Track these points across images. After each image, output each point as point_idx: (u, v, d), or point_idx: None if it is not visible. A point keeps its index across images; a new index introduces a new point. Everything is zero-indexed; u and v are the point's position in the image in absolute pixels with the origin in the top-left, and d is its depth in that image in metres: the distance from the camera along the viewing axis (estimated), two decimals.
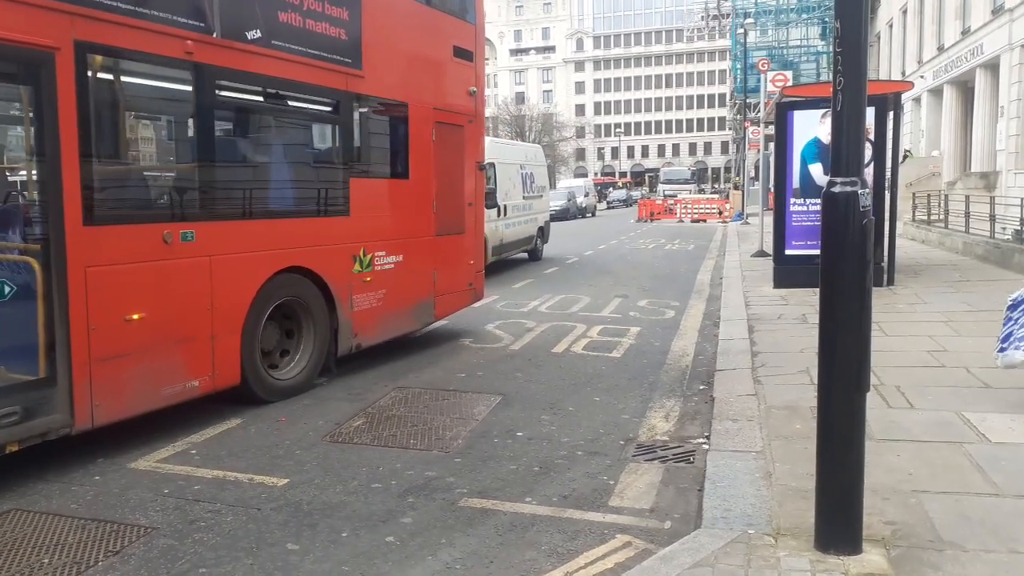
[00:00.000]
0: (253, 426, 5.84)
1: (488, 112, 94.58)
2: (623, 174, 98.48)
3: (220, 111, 6.17)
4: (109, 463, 5.05)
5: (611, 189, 68.84)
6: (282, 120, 7.08)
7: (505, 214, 15.87)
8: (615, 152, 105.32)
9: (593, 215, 45.59)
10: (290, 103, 6.94)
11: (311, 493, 4.52)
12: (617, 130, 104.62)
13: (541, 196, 19.11)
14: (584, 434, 5.55)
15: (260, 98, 6.69)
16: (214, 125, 6.02)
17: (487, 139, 16.84)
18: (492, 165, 14.85)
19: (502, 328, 9.69)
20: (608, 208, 57.20)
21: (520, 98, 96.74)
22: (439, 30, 8.53)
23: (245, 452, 5.25)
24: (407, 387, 6.89)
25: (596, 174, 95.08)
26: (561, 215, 38.53)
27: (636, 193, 67.55)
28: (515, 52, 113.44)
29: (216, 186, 6.02)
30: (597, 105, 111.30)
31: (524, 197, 17.41)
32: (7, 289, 4.80)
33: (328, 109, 7.24)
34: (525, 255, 18.22)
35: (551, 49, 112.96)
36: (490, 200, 14.30)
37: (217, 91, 6.00)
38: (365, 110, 7.59)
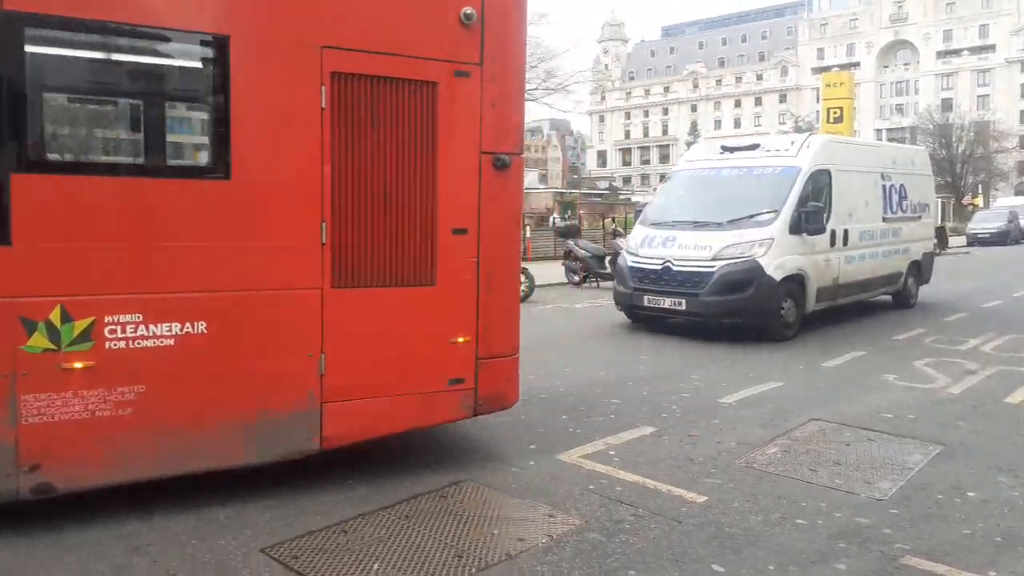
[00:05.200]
0: (666, 436, 5.93)
1: (906, 121, 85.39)
2: None
3: None
4: (539, 451, 5.52)
5: None
6: None
7: (845, 243, 11.19)
8: None
9: None
10: None
11: (732, 517, 4.40)
12: None
13: (919, 217, 13.52)
14: None
15: None
16: None
17: (819, 137, 11.94)
18: (827, 173, 10.92)
19: (934, 367, 8.52)
20: None
21: (946, 105, 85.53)
22: None
23: (660, 461, 5.33)
24: (825, 421, 6.40)
25: None
26: (998, 239, 33.26)
27: None
28: (942, 55, 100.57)
29: None
30: None
31: (885, 219, 12.35)
32: None
33: None
34: (888, 298, 13.41)
35: (989, 48, 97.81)
36: (814, 223, 10.30)
37: None
38: (60, 48, 4.10)
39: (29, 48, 3.86)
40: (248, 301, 4.36)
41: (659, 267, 10.46)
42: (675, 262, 10.30)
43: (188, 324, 4.20)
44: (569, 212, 34.58)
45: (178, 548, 3.88)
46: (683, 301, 10.14)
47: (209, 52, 4.25)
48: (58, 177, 3.97)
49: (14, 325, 3.82)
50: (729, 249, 9.98)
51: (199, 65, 4.41)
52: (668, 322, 10.72)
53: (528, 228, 25.55)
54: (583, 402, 6.91)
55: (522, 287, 14.56)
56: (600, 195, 53.76)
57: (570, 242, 18.04)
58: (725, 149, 11.86)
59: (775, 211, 10.19)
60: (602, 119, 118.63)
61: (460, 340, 4.97)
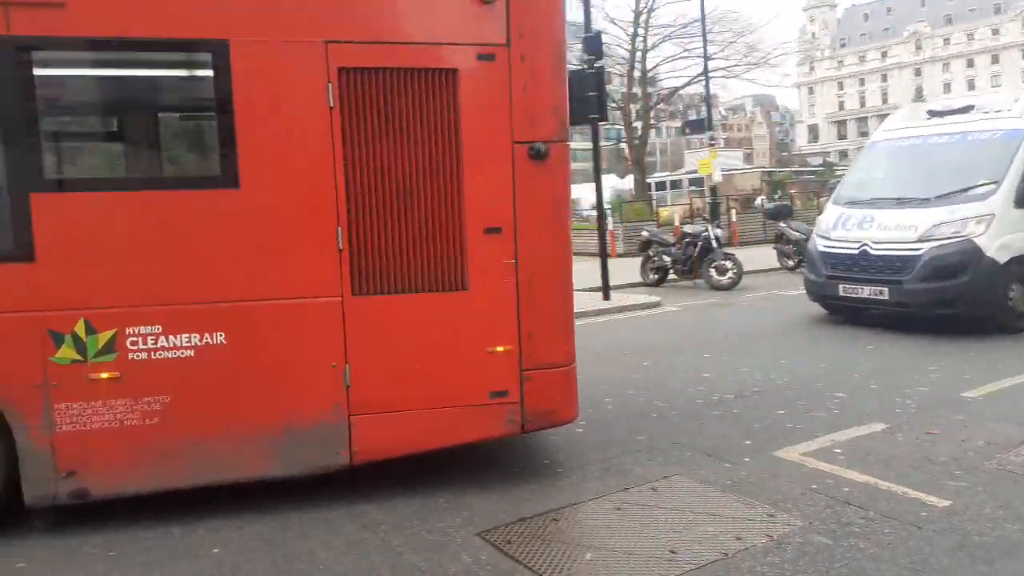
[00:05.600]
0: (899, 433, 5.43)
1: None
2: None
3: None
4: (756, 447, 5.26)
5: None
6: None
7: None
8: None
9: None
10: None
11: (982, 524, 3.93)
12: None
13: None
14: None
15: None
16: None
17: None
18: None
19: None
20: None
21: None
22: None
23: (893, 461, 4.89)
24: None
25: None
26: None
27: None
28: None
29: None
30: None
31: None
32: None
33: None
34: None
35: None
36: None
37: None
38: (67, 68, 4.38)
39: (36, 71, 4.00)
40: (265, 311, 4.26)
41: (855, 251, 9.32)
42: (874, 245, 9.14)
43: (207, 335, 4.18)
44: (779, 192, 32.82)
45: (403, 528, 4.13)
46: (884, 290, 8.98)
47: (208, 58, 4.14)
48: (73, 194, 4.12)
49: (36, 339, 3.99)
50: (939, 228, 8.69)
51: (199, 73, 4.33)
52: (872, 313, 9.64)
53: (734, 211, 24.59)
54: (801, 396, 6.51)
55: (729, 274, 14.05)
56: (813, 172, 50.56)
57: (781, 224, 17.09)
58: (933, 114, 10.38)
59: (995, 182, 8.78)
60: (811, 91, 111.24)
61: (500, 349, 4.50)
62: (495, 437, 4.72)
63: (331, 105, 4.19)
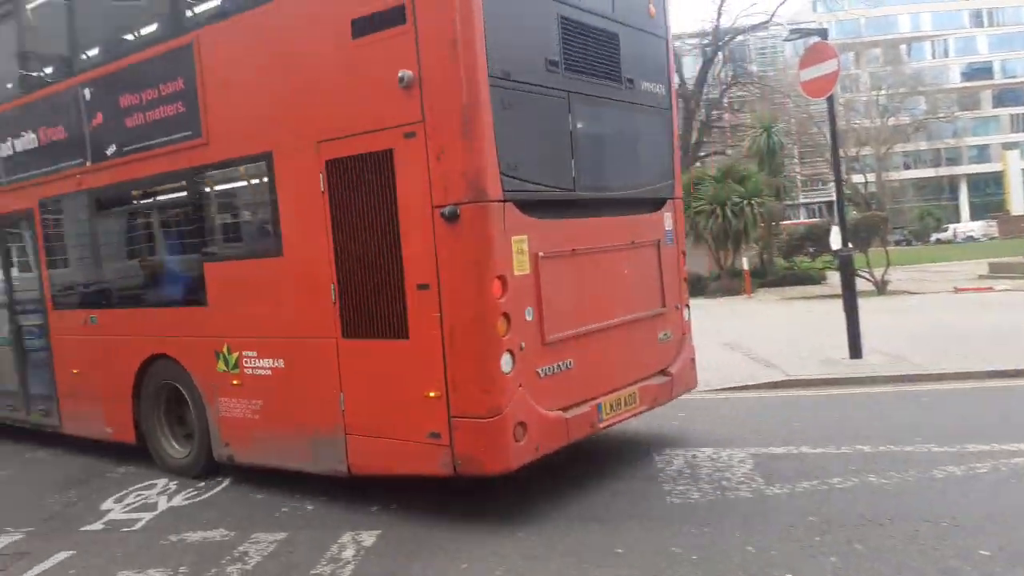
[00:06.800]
0: None
1: None
2: None
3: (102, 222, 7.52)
4: None
5: None
6: (127, 216, 7.43)
7: None
8: None
9: None
10: (133, 200, 7.28)
11: None
12: None
13: None
14: None
15: (117, 205, 7.42)
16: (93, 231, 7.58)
17: None
18: None
19: None
20: None
21: None
22: (319, 19, 5.55)
23: None
24: None
25: None
26: None
27: None
28: None
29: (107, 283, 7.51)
30: None
31: None
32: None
33: (171, 192, 6.94)
34: None
35: None
36: None
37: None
38: (212, 181, 6.66)
39: (202, 187, 6.59)
40: (301, 345, 5.84)
41: None
42: None
43: (276, 360, 6.02)
44: None
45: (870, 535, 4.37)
46: None
47: (263, 167, 5.95)
48: (219, 264, 6.43)
49: (212, 354, 6.40)
50: None
51: (261, 178, 6.07)
52: None
53: None
54: None
55: None
56: None
57: None
58: None
59: None
60: None
61: (432, 394, 5.05)
62: (435, 475, 5.21)
63: (323, 190, 5.52)
